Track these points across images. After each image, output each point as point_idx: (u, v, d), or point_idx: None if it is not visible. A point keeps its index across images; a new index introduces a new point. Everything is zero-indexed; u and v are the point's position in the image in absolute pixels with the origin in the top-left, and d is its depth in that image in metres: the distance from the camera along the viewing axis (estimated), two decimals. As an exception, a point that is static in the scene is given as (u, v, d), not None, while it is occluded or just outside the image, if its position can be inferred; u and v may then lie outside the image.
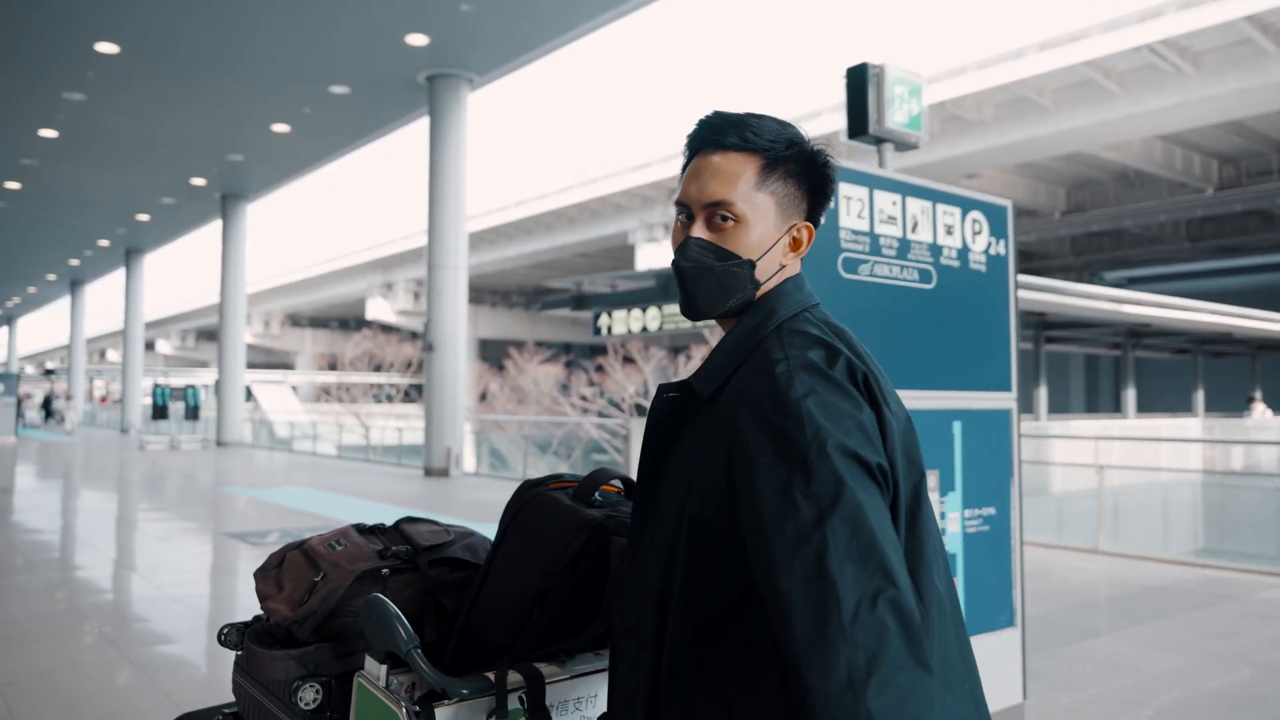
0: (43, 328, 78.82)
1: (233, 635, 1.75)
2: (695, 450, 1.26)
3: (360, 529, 1.80)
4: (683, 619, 1.23)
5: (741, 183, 1.29)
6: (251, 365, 75.11)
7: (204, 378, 61.33)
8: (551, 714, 1.49)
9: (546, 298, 55.89)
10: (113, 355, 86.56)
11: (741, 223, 1.30)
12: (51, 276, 40.81)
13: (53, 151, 20.54)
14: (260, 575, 1.76)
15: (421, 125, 19.58)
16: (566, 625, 1.52)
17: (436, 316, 15.98)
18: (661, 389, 1.37)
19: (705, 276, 1.30)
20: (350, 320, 66.30)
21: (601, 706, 1.55)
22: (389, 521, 1.86)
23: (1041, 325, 15.59)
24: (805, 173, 1.33)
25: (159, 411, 25.53)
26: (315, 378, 49.37)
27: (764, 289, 1.33)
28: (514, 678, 1.45)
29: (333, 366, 46.86)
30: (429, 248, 16.31)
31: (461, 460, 16.23)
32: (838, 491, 1.10)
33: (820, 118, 28.05)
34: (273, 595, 1.71)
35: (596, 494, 1.58)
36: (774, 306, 1.32)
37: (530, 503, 1.56)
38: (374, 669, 1.46)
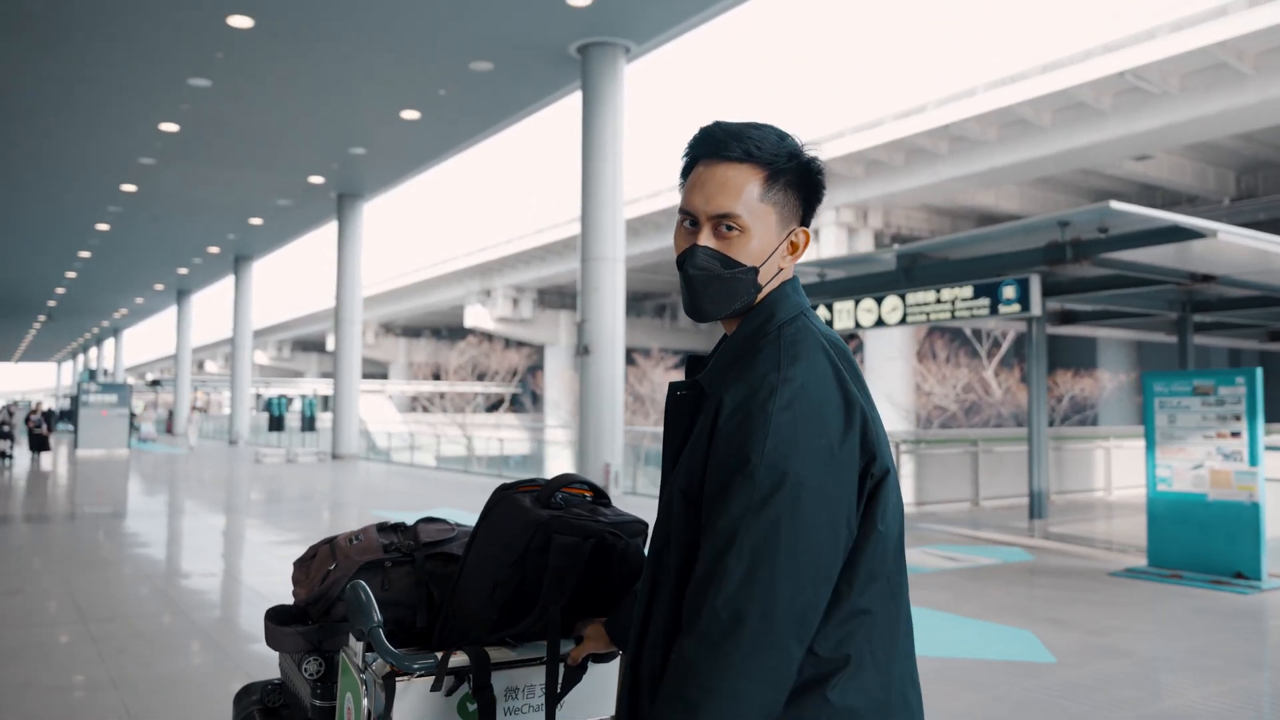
0: (142, 339, 79.99)
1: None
2: (692, 443, 1.37)
3: (381, 527, 1.96)
4: (675, 582, 1.35)
5: (745, 194, 1.38)
6: (345, 375, 75.37)
7: (302, 387, 61.27)
8: (509, 698, 1.65)
9: (657, 301, 54.30)
10: (210, 366, 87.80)
11: (746, 232, 1.38)
12: (159, 286, 40.46)
13: (172, 148, 19.43)
14: (297, 564, 1.98)
15: (545, 114, 18.09)
16: (518, 615, 1.64)
17: (593, 315, 14.22)
18: (673, 387, 1.46)
19: (712, 283, 1.40)
20: (443, 329, 65.59)
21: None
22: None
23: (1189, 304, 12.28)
24: (801, 182, 1.42)
25: (275, 423, 24.37)
26: (417, 387, 48.32)
27: (764, 292, 1.43)
28: (461, 659, 1.57)
29: (436, 376, 45.68)
30: (582, 238, 14.57)
31: (620, 478, 14.44)
32: (762, 507, 1.23)
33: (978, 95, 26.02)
34: (300, 581, 1.94)
35: (559, 496, 1.71)
36: (773, 310, 1.42)
37: (498, 504, 1.72)
38: (354, 646, 1.61)
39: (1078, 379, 29.36)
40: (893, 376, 31.74)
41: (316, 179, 22.66)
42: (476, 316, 50.21)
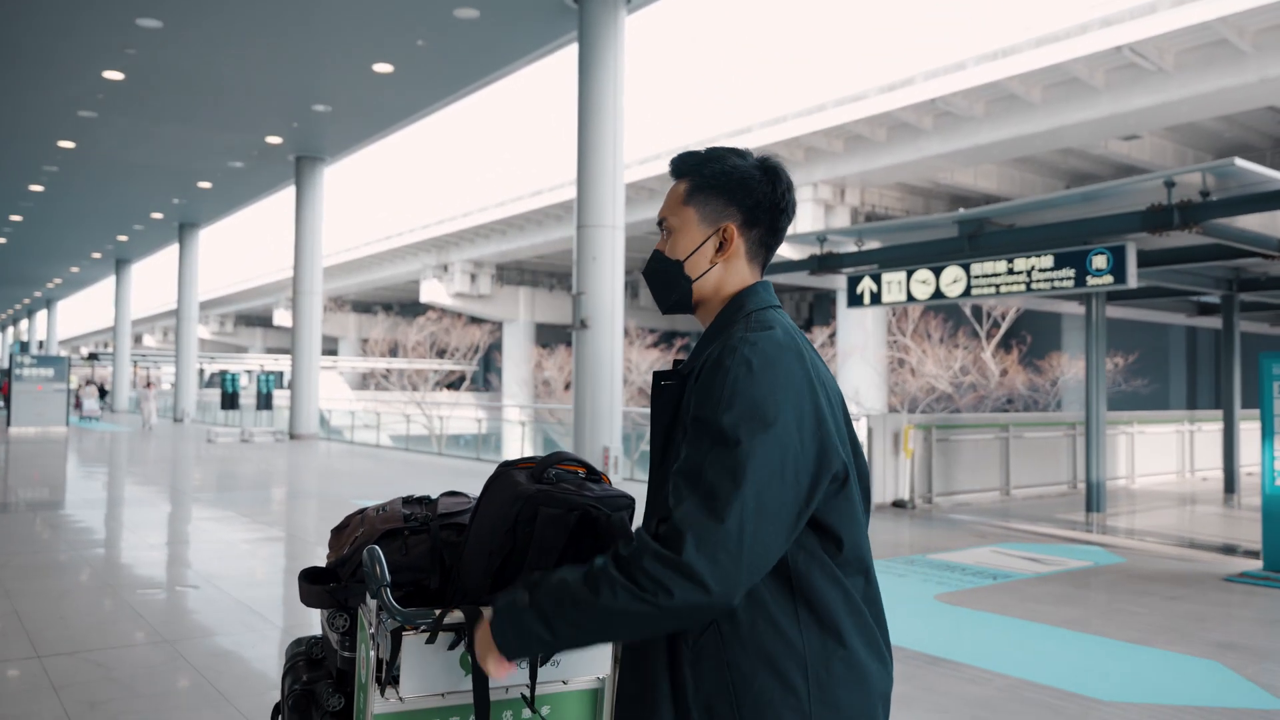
0: (76, 312, 76.70)
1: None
2: (683, 416, 1.52)
3: (405, 500, 2.09)
4: None
5: (673, 201, 1.65)
6: (289, 351, 73.11)
7: (248, 363, 59.12)
8: None
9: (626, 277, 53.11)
10: (148, 340, 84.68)
11: (674, 232, 1.64)
12: (96, 254, 38.24)
13: (115, 100, 17.79)
14: (334, 533, 2.13)
15: (507, 81, 16.89)
16: (509, 579, 1.74)
17: (591, 286, 13.10)
18: (657, 376, 1.62)
19: (653, 277, 1.67)
20: (394, 304, 63.74)
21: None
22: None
23: (1236, 283, 11.56)
24: (722, 185, 1.62)
25: (228, 400, 22.83)
26: (371, 363, 46.64)
27: (727, 290, 1.63)
28: (456, 616, 1.68)
29: (393, 352, 44.02)
30: (579, 203, 13.42)
31: (620, 463, 13.39)
32: (722, 439, 1.39)
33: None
34: (334, 546, 2.08)
35: (551, 472, 1.78)
36: (744, 303, 1.60)
37: (497, 479, 1.82)
38: (370, 604, 1.75)
39: (1074, 362, 28.83)
40: (862, 361, 31.10)
41: (274, 139, 21.11)
42: (432, 292, 48.57)
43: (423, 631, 1.68)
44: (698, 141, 31.31)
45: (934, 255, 9.91)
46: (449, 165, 69.66)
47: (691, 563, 1.32)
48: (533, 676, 1.72)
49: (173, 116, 19.12)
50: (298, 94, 17.97)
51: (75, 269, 42.67)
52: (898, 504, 10.68)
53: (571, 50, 14.64)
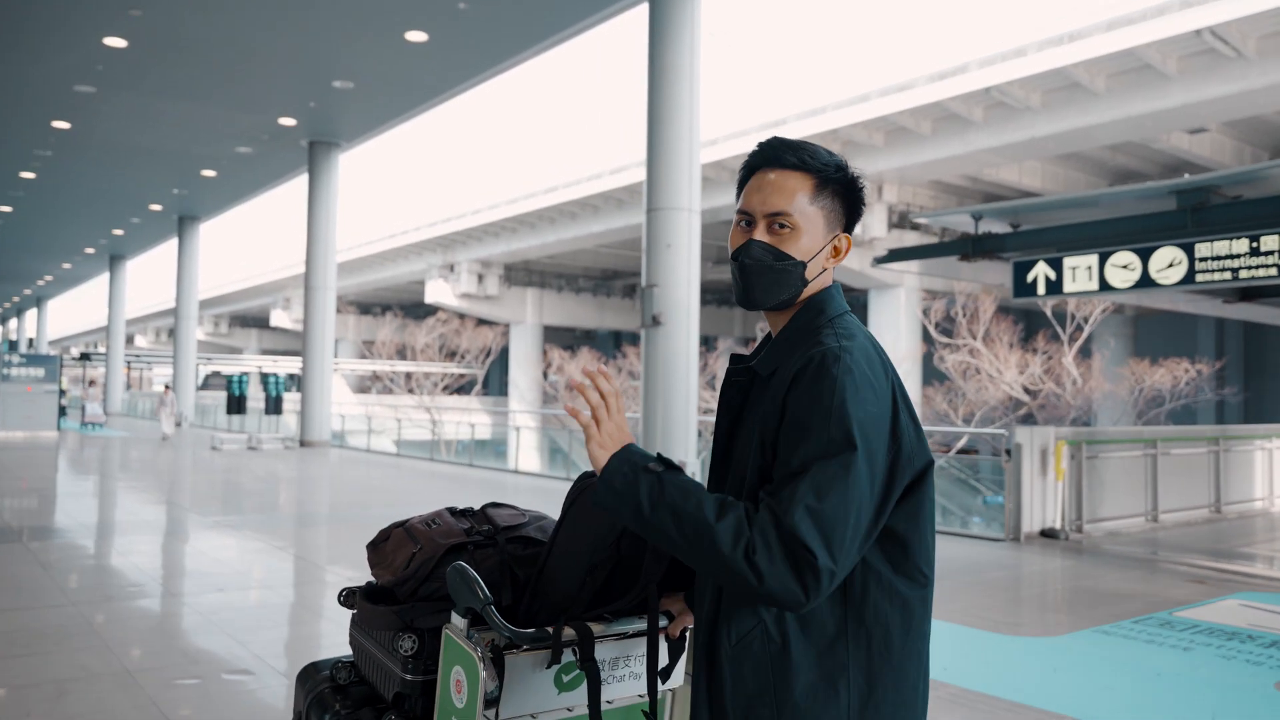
0: (67, 311, 74.72)
1: (350, 597, 2.09)
2: (757, 419, 1.53)
3: (452, 511, 2.08)
4: None
5: (798, 197, 1.58)
6: (286, 353, 71.13)
7: (245, 364, 57.34)
8: (602, 668, 1.79)
9: (626, 281, 51.45)
10: (140, 341, 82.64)
11: (796, 230, 1.58)
12: (90, 250, 36.44)
13: (116, 72, 16.10)
14: (371, 548, 2.07)
15: (520, 70, 15.39)
16: (611, 592, 1.79)
17: (665, 278, 11.48)
18: (731, 372, 1.65)
19: (765, 273, 1.58)
20: (394, 305, 61.96)
21: (643, 663, 1.85)
22: (477, 506, 2.14)
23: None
24: (846, 193, 1.62)
25: (235, 404, 21.10)
26: (375, 366, 44.87)
27: (811, 290, 1.61)
28: (569, 633, 1.70)
29: (401, 354, 42.25)
30: (649, 184, 11.81)
31: (697, 476, 11.74)
32: (838, 448, 1.40)
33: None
34: (379, 564, 2.03)
35: None
36: (823, 306, 1.60)
37: (586, 490, 1.80)
38: (458, 623, 1.74)
39: (1153, 369, 27.11)
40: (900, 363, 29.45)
41: (287, 120, 19.43)
42: (438, 292, 46.81)
43: (538, 649, 1.70)
44: (728, 135, 29.69)
45: (1138, 234, 8.27)
46: (456, 160, 67.93)
47: (821, 568, 1.35)
48: (652, 693, 1.75)
49: (178, 92, 17.42)
50: (318, 67, 16.30)
51: (68, 265, 40.85)
52: (1047, 533, 9.07)
53: (632, 14, 13.10)
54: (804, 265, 1.57)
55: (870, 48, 41.94)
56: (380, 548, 2.05)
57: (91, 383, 27.52)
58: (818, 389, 1.43)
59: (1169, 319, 36.53)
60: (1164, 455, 10.38)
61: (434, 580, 1.89)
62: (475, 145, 66.91)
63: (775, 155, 1.60)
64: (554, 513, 2.07)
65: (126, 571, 7.06)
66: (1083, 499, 9.36)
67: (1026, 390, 25.80)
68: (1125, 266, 8.13)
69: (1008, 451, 9.16)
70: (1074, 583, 7.22)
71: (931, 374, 28.45)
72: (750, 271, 1.58)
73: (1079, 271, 8.42)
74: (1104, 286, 8.30)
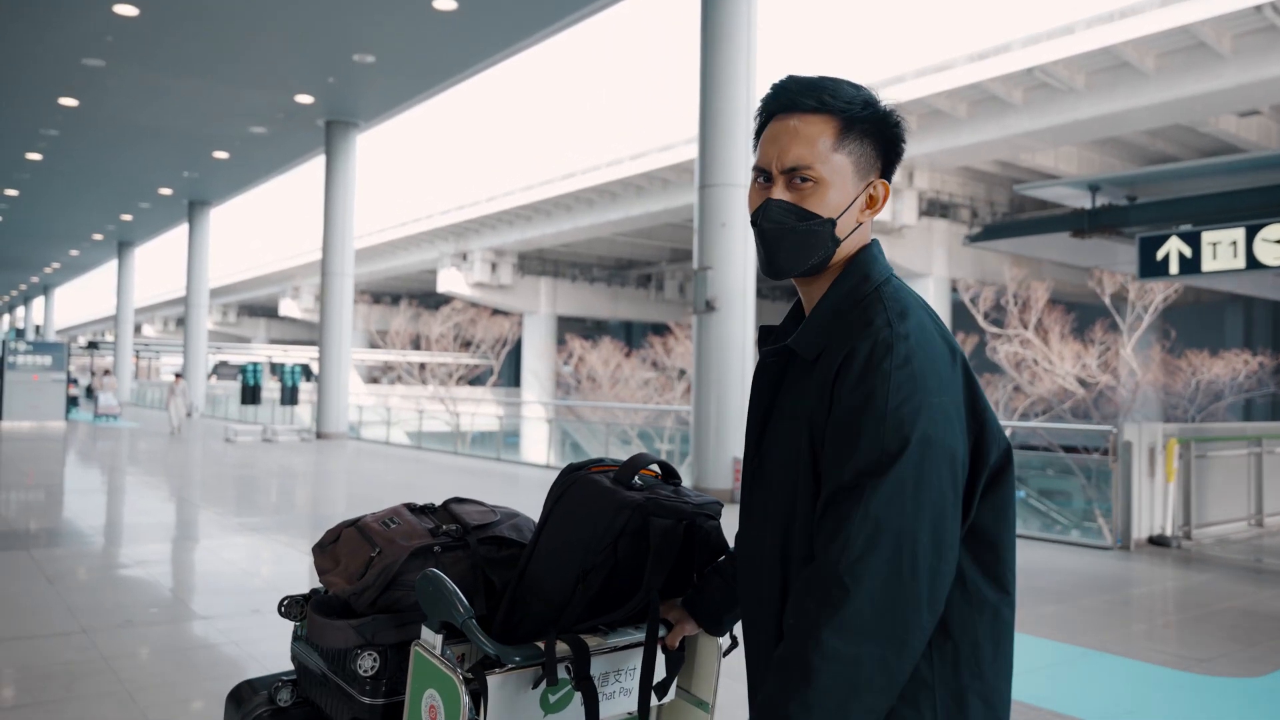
0: (74, 299, 74.01)
1: (293, 607, 1.85)
2: (803, 409, 1.33)
3: (411, 508, 1.85)
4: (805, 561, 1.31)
5: (820, 145, 1.35)
6: (294, 343, 70.39)
7: (255, 354, 56.67)
8: (595, 684, 1.60)
9: (640, 270, 50.58)
10: (147, 330, 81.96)
11: (821, 184, 1.35)
12: (98, 236, 35.65)
13: (127, 43, 15.24)
14: (318, 551, 1.83)
15: (536, 51, 14.54)
16: (606, 601, 1.59)
17: (719, 260, 10.63)
18: (764, 355, 1.43)
19: (787, 236, 1.37)
20: (403, 294, 61.14)
21: (634, 677, 1.66)
22: (437, 502, 1.92)
23: None
24: (879, 133, 1.38)
25: (250, 394, 20.30)
26: (390, 356, 44.11)
27: (847, 251, 1.40)
28: (562, 648, 1.53)
29: (415, 344, 41.44)
30: (701, 158, 10.95)
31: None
32: (889, 463, 1.21)
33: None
34: (330, 569, 1.79)
35: (636, 478, 1.65)
36: (866, 271, 1.38)
37: (574, 485, 1.63)
38: (430, 639, 1.53)
39: (1213, 360, 26.07)
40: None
41: (304, 98, 18.57)
42: (450, 281, 45.98)
43: (520, 666, 1.50)
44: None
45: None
46: (470, 146, 66.96)
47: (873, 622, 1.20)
48: (644, 710, 1.63)
49: (191, 66, 16.57)
50: (339, 39, 15.41)
51: (75, 252, 40.09)
52: (1156, 540, 8.20)
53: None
54: (833, 223, 1.37)
55: (908, 28, 40.89)
56: (329, 550, 1.83)
57: (106, 372, 26.74)
58: (868, 386, 1.26)
59: (1196, 309, 35.56)
60: (1269, 454, 9.51)
61: (397, 588, 1.69)
62: (488, 131, 66.00)
63: (790, 99, 1.39)
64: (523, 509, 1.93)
65: (146, 587, 6.25)
66: (1191, 502, 8.51)
67: (1081, 383, 24.79)
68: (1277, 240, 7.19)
69: (1101, 451, 8.31)
70: (1233, 603, 6.32)
71: (982, 366, 27.45)
72: (770, 236, 1.39)
73: (1220, 248, 7.49)
74: (1252, 264, 7.40)
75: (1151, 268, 8.02)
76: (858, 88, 1.38)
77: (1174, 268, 7.87)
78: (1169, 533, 8.22)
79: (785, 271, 1.39)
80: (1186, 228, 7.81)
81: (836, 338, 1.32)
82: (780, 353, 1.40)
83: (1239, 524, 9.30)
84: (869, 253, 1.40)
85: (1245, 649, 5.11)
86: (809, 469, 1.31)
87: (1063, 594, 6.42)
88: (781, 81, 1.41)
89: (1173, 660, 4.84)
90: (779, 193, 1.37)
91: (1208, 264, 7.65)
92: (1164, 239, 7.90)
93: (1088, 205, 8.39)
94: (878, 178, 1.40)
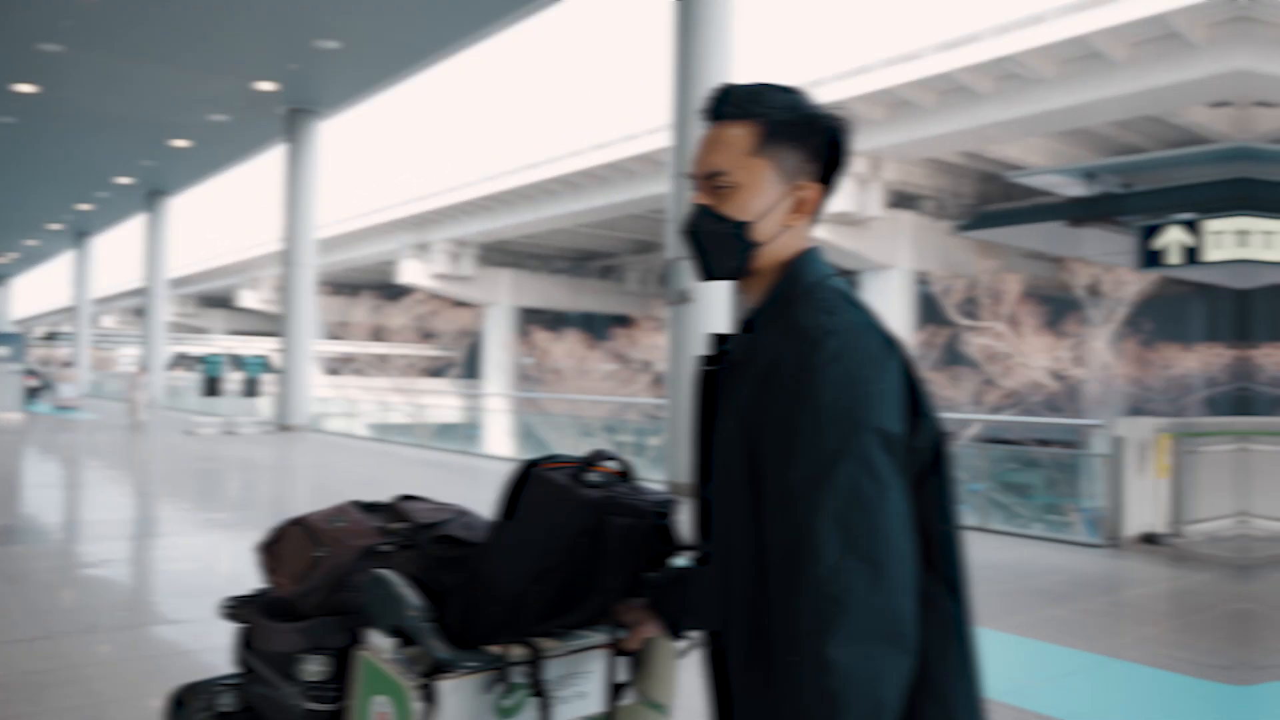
0: (30, 292, 72.45)
1: (239, 609, 1.80)
2: (739, 411, 1.32)
3: (359, 505, 1.80)
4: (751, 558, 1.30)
5: (737, 150, 1.36)
6: (253, 334, 69.32)
7: (213, 346, 55.62)
8: (552, 688, 1.56)
9: (602, 262, 50.26)
10: (105, 321, 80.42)
11: (738, 188, 1.36)
12: (56, 226, 34.76)
13: (86, 27, 14.75)
14: (263, 550, 1.79)
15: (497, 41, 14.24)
16: (564, 602, 1.55)
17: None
18: (701, 360, 1.47)
19: (707, 239, 1.38)
20: (365, 286, 60.39)
21: (597, 682, 1.62)
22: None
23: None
24: (807, 135, 1.37)
25: (210, 386, 19.83)
26: (349, 348, 43.52)
27: (778, 256, 1.39)
28: (516, 652, 1.50)
29: (376, 336, 40.90)
30: (675, 147, 10.75)
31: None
32: (836, 458, 1.19)
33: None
34: (275, 570, 1.74)
35: (593, 474, 1.59)
36: (797, 274, 1.38)
37: (529, 482, 1.57)
38: (381, 644, 1.49)
39: (1185, 354, 26.09)
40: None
41: (266, 85, 18.10)
42: (411, 272, 45.45)
43: (475, 671, 1.46)
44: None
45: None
46: (431, 137, 66.24)
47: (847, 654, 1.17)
48: (610, 714, 1.62)
49: (150, 53, 16.09)
50: (303, 24, 15.00)
51: (32, 242, 39.07)
52: (1148, 539, 8.12)
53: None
54: (746, 225, 1.36)
55: (874, 18, 40.95)
56: (274, 549, 1.78)
57: (66, 364, 26.08)
58: (801, 385, 1.23)
59: (1162, 302, 35.98)
60: (1259, 450, 9.47)
61: (345, 590, 1.62)
62: (450, 121, 65.33)
63: (716, 108, 1.40)
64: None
65: (113, 588, 5.96)
66: (1182, 499, 8.44)
67: (1054, 375, 24.86)
68: (1285, 232, 7.06)
69: (1064, 444, 8.20)
70: (1244, 604, 6.24)
71: (950, 359, 27.38)
72: (690, 240, 1.41)
73: (1223, 238, 7.32)
74: (1265, 252, 7.21)
75: (1150, 258, 7.83)
76: (789, 92, 1.38)
77: (1174, 258, 7.66)
78: (1160, 530, 8.14)
79: (709, 274, 1.41)
80: (1188, 216, 7.63)
81: (767, 341, 1.32)
82: (717, 360, 1.43)
83: (1225, 521, 9.26)
84: (804, 257, 1.40)
85: (1259, 654, 5.00)
86: (745, 484, 1.31)
87: (1063, 596, 6.30)
88: (713, 91, 1.42)
89: (1197, 670, 4.70)
90: (701, 197, 1.40)
91: (1211, 253, 7.46)
92: (1161, 228, 7.71)
93: (1081, 193, 8.23)
94: (812, 181, 1.39)
